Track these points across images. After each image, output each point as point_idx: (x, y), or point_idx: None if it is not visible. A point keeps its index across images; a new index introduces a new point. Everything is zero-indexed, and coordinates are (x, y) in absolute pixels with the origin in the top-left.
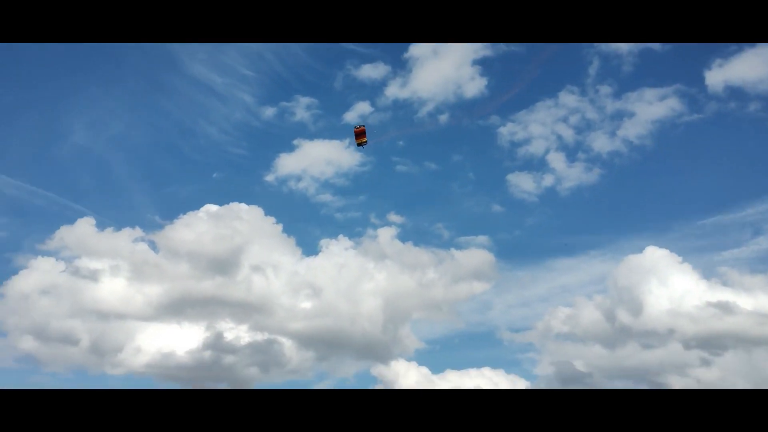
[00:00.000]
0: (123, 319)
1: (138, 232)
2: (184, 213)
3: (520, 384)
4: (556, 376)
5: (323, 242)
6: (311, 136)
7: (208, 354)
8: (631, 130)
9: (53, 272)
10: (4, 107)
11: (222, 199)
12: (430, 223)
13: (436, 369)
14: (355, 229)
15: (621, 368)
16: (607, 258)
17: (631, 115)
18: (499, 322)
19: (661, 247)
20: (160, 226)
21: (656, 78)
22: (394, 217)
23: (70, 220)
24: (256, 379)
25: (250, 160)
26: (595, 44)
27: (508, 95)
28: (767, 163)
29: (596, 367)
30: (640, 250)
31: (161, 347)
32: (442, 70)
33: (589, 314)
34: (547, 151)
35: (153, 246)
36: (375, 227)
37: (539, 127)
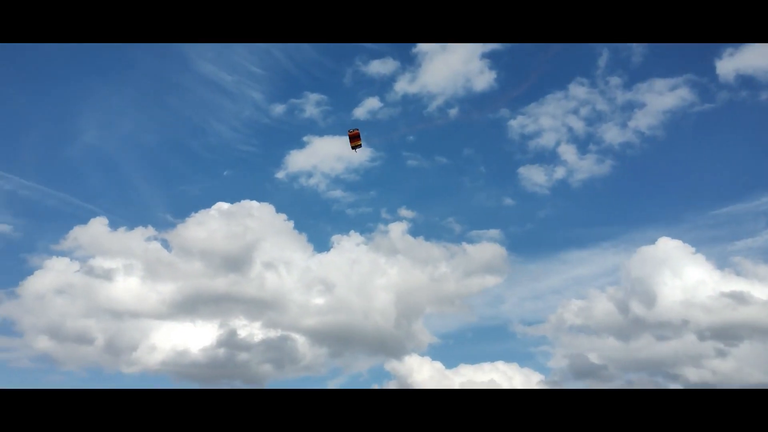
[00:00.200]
0: (137, 318)
1: (150, 231)
2: (196, 211)
3: (534, 377)
4: (570, 368)
5: (335, 238)
6: (321, 133)
7: (222, 351)
8: (642, 121)
9: (68, 272)
10: (16, 109)
11: (233, 196)
12: (441, 218)
13: (450, 363)
14: (366, 225)
15: (635, 360)
16: (619, 250)
17: (642, 105)
18: (512, 315)
19: (673, 238)
20: (173, 225)
21: (666, 68)
22: (405, 212)
23: (83, 220)
24: (270, 376)
25: (261, 158)
26: None
27: (519, 91)
28: None
29: (610, 359)
30: (653, 241)
31: (175, 345)
32: (451, 64)
33: (603, 306)
34: (558, 144)
35: (166, 244)
36: (386, 222)
37: (550, 119)
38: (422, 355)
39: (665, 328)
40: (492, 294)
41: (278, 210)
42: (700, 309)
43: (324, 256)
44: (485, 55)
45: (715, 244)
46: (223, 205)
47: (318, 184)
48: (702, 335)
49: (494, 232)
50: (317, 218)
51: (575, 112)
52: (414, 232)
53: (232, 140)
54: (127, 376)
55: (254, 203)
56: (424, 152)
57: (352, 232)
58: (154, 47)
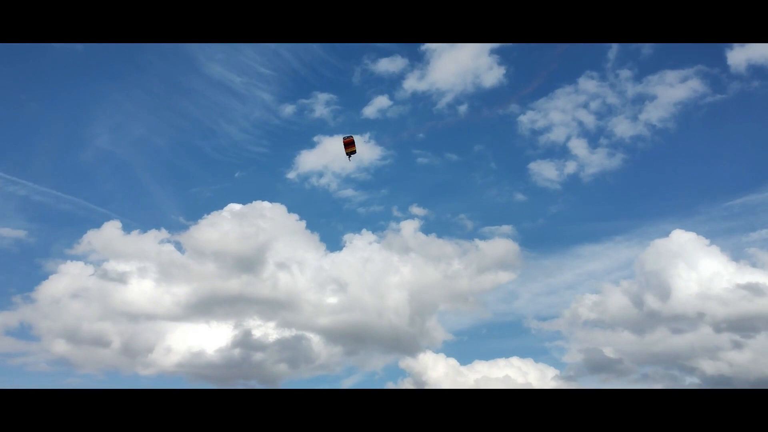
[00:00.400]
0: (152, 320)
1: (164, 233)
2: (208, 213)
3: (549, 372)
4: (585, 363)
5: (347, 237)
6: (331, 132)
7: (237, 352)
8: (654, 114)
9: (82, 276)
10: (29, 115)
11: (245, 197)
12: (453, 215)
13: (464, 360)
14: (378, 223)
15: (651, 353)
16: (633, 243)
17: (653, 98)
18: (526, 311)
19: (687, 230)
20: (185, 227)
21: (677, 60)
22: (416, 210)
23: (97, 224)
24: (285, 375)
25: (272, 158)
26: None
27: (529, 90)
28: None
29: (625, 353)
30: (667, 234)
31: (191, 346)
32: (460, 60)
33: (617, 300)
34: (568, 138)
35: (179, 247)
36: (398, 220)
37: (560, 114)
38: (437, 352)
39: (680, 321)
40: (505, 290)
41: (290, 210)
42: (716, 301)
43: (336, 256)
44: (494, 51)
45: (729, 236)
46: (235, 207)
47: (329, 184)
48: (718, 327)
49: (506, 228)
50: (329, 217)
51: (585, 106)
52: (426, 229)
53: (242, 141)
54: (143, 377)
55: (266, 204)
56: (435, 149)
57: (364, 231)
58: (163, 50)
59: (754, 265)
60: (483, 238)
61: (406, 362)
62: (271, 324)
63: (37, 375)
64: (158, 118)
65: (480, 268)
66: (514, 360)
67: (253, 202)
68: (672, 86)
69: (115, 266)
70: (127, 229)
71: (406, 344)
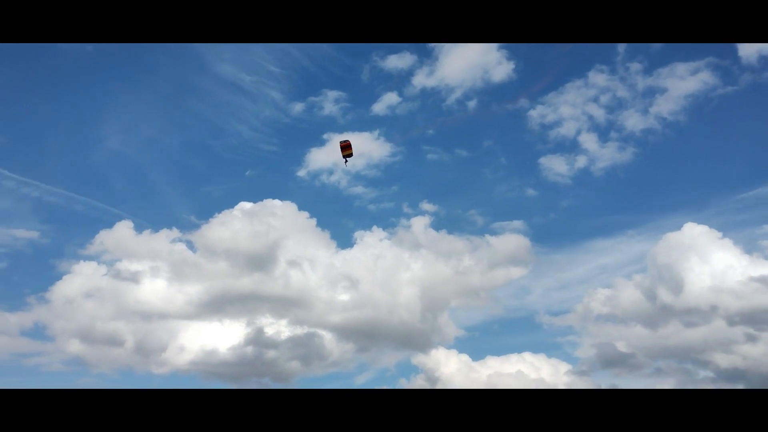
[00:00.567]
0: (165, 319)
1: (175, 232)
2: (219, 212)
3: (562, 367)
4: (598, 358)
5: (357, 234)
6: (341, 129)
7: (250, 349)
8: (664, 107)
9: (95, 276)
10: (40, 117)
11: (256, 196)
12: (463, 211)
13: (477, 356)
14: (388, 220)
15: (664, 347)
16: (645, 237)
17: (663, 91)
18: (538, 306)
19: (699, 223)
20: (197, 226)
21: (687, 52)
22: (427, 206)
23: (109, 224)
24: (298, 372)
25: (282, 156)
26: None
27: (540, 86)
28: None
29: (638, 347)
30: (679, 227)
31: (204, 345)
32: (469, 56)
33: (629, 294)
34: (578, 132)
35: (191, 246)
36: (408, 217)
37: (569, 108)
38: (449, 348)
39: (694, 315)
40: (517, 285)
41: (301, 208)
42: (729, 294)
43: (347, 253)
44: (503, 47)
45: (742, 228)
46: (246, 205)
47: (339, 181)
48: (731, 320)
49: (517, 224)
50: (339, 215)
51: (595, 100)
52: (437, 225)
53: (252, 140)
54: (157, 376)
55: (277, 202)
56: (444, 145)
57: (374, 228)
58: (172, 50)
59: (767, 257)
60: (494, 233)
61: (419, 358)
62: (284, 322)
63: (52, 375)
64: (168, 118)
65: (491, 263)
66: (527, 355)
67: (264, 200)
68: (683, 79)
69: (127, 266)
70: (139, 228)
71: (418, 341)
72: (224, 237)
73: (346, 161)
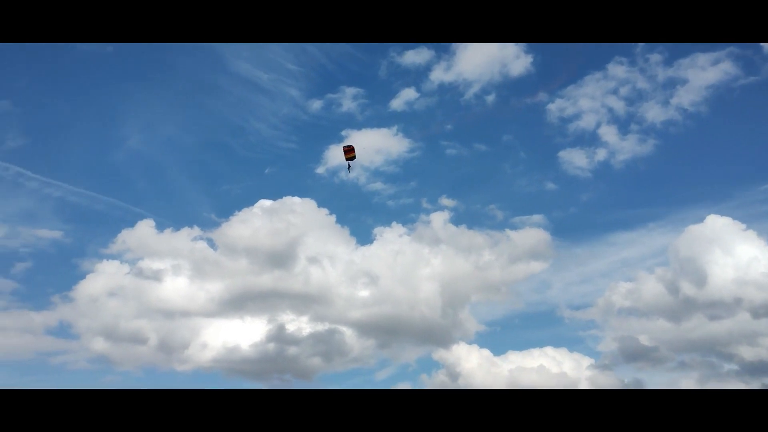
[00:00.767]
0: (187, 317)
1: (196, 231)
2: (239, 209)
3: (584, 362)
4: (620, 351)
5: (377, 230)
6: (359, 126)
7: (271, 346)
8: (685, 98)
9: (118, 274)
10: (62, 117)
11: (275, 193)
12: (483, 205)
13: (498, 351)
14: (408, 216)
15: (687, 341)
16: (667, 230)
17: (684, 82)
18: (559, 300)
19: (722, 215)
20: (217, 224)
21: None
22: (446, 201)
23: (131, 223)
24: (319, 369)
25: (301, 154)
26: None
27: (559, 82)
28: None
29: (662, 341)
30: (701, 219)
31: (226, 342)
32: (486, 50)
33: (652, 288)
34: (598, 125)
35: (211, 244)
36: (428, 212)
37: (589, 101)
38: (470, 343)
39: (717, 308)
40: (538, 280)
41: (320, 205)
42: (754, 286)
43: (367, 249)
44: None
45: (766, 220)
46: (266, 203)
47: (358, 177)
48: (756, 313)
49: (537, 218)
50: (359, 211)
51: (615, 92)
52: (456, 220)
53: (271, 138)
54: (180, 373)
55: (296, 199)
56: (463, 140)
57: (394, 224)
58: (190, 50)
59: None
60: (514, 228)
61: (440, 354)
62: (304, 318)
63: (78, 373)
64: (188, 117)
65: (511, 258)
66: (548, 350)
67: (283, 197)
68: (704, 69)
69: (149, 264)
70: (160, 227)
71: (438, 336)
72: (244, 235)
73: (350, 167)
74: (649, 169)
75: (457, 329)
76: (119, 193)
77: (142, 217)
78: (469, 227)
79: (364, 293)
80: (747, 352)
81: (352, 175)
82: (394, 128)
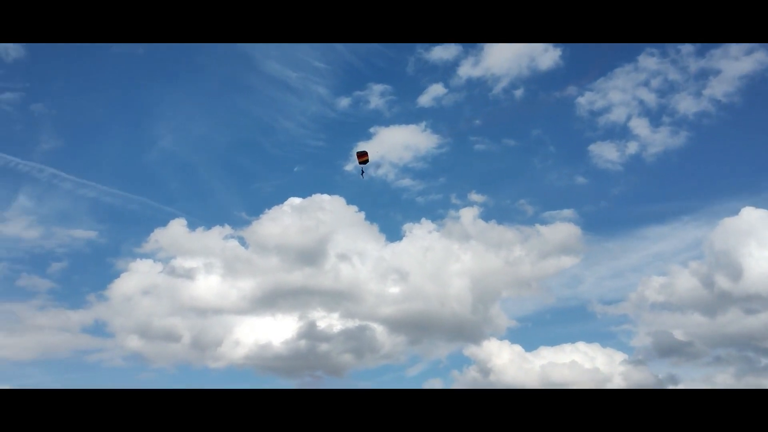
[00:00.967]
0: (220, 314)
1: (227, 229)
2: (269, 208)
3: (617, 357)
4: (654, 346)
5: (406, 227)
6: (387, 123)
7: (303, 343)
8: (718, 89)
9: (152, 273)
10: (95, 119)
11: (304, 191)
12: (512, 200)
13: (530, 346)
14: (437, 212)
15: (723, 335)
16: (701, 223)
17: (717, 72)
18: (591, 295)
19: (758, 207)
20: (248, 222)
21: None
22: (475, 197)
23: (163, 223)
24: (350, 365)
25: (329, 151)
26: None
27: (590, 75)
28: None
29: (696, 335)
30: (736, 212)
31: (258, 339)
32: (514, 45)
33: (686, 282)
34: (629, 118)
35: (242, 242)
36: (457, 208)
37: (619, 93)
38: (501, 339)
39: (754, 301)
40: (569, 275)
41: (349, 202)
42: None
43: (397, 245)
44: None
45: None
46: (295, 200)
47: (387, 174)
48: None
49: (568, 212)
50: (388, 208)
51: (646, 84)
52: (486, 216)
53: (300, 136)
54: (213, 371)
55: (325, 197)
56: (492, 135)
57: (423, 220)
58: (219, 50)
59: None
60: (544, 223)
61: (471, 350)
62: (335, 315)
63: (113, 370)
64: (218, 117)
65: (542, 253)
66: (581, 345)
67: (313, 195)
68: (737, 59)
69: (182, 263)
70: (192, 226)
71: (469, 332)
72: (275, 232)
73: (363, 172)
74: (682, 161)
75: (487, 325)
76: (152, 192)
77: (174, 217)
78: (499, 222)
79: (394, 290)
80: None
81: (375, 173)
82: (422, 124)
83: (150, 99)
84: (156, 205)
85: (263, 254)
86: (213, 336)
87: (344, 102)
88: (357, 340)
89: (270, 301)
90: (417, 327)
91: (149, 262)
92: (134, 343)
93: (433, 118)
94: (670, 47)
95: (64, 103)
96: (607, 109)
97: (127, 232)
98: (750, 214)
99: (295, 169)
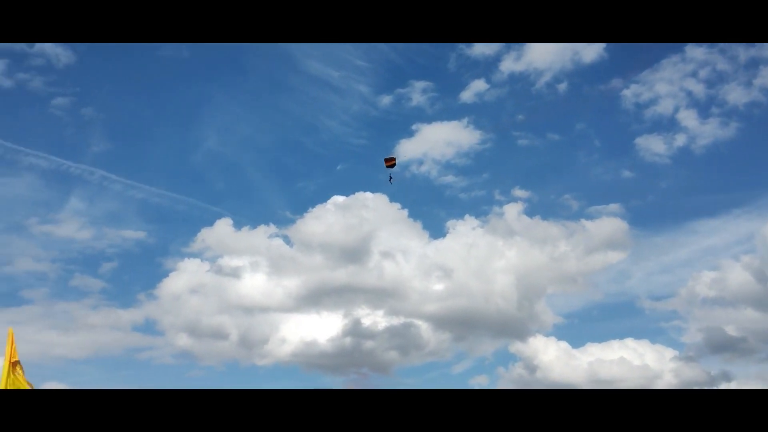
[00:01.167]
0: (266, 312)
1: (272, 228)
2: (313, 206)
3: (667, 353)
4: (705, 343)
5: (450, 224)
6: (429, 119)
7: (348, 340)
8: None
9: (199, 272)
10: (143, 121)
11: (347, 189)
12: (557, 196)
13: (576, 343)
14: (480, 208)
15: None
16: (753, 216)
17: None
18: (639, 290)
19: None
20: (292, 221)
21: None
22: (519, 193)
23: (209, 222)
24: (396, 362)
25: (372, 149)
26: None
27: (636, 69)
28: None
29: (750, 331)
30: None
31: (304, 336)
32: None
33: (738, 276)
34: (676, 110)
35: (287, 240)
36: (501, 204)
37: (666, 85)
38: (547, 335)
39: None
40: (616, 270)
41: (392, 199)
42: None
43: (440, 242)
44: None
45: None
46: (338, 199)
47: (429, 171)
48: None
49: (614, 207)
50: (431, 205)
51: (694, 74)
52: (530, 212)
53: (342, 135)
54: (260, 368)
55: (368, 194)
56: (535, 130)
57: (467, 217)
58: (262, 50)
59: None
60: (589, 218)
61: (516, 347)
62: (380, 312)
63: (163, 368)
64: (262, 117)
65: (588, 248)
66: (629, 341)
67: (356, 193)
68: None
69: (228, 262)
70: (237, 225)
71: (514, 328)
72: (318, 231)
73: (391, 177)
74: (733, 153)
75: (533, 321)
76: (198, 193)
77: (220, 216)
78: (544, 218)
79: (439, 287)
80: None
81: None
82: (465, 120)
83: (196, 100)
84: (202, 205)
85: (307, 252)
86: (260, 334)
87: (386, 100)
88: (402, 338)
89: (315, 299)
90: (462, 324)
91: (197, 261)
92: (183, 341)
93: (476, 113)
94: None
95: (112, 106)
96: (653, 101)
97: (174, 232)
98: None
99: (338, 167)
